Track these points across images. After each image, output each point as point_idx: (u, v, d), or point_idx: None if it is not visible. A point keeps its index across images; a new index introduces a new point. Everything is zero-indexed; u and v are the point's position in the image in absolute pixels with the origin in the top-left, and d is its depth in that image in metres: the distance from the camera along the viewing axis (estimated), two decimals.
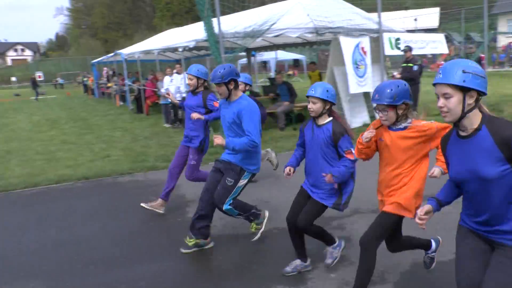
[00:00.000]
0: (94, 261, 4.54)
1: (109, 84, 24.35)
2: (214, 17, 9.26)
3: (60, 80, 48.14)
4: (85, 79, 34.51)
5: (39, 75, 41.47)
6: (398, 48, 11.44)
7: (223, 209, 4.36)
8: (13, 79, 55.57)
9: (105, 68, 26.54)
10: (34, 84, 31.58)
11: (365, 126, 10.69)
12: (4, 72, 71.01)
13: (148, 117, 16.03)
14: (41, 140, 12.20)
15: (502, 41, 37.02)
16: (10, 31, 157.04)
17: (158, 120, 14.62)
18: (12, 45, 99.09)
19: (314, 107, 3.64)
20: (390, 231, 3.31)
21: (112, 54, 22.05)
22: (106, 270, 4.33)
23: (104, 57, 27.20)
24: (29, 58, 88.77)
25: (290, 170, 3.87)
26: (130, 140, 11.46)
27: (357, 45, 10.74)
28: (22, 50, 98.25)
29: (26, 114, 20.05)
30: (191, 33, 12.76)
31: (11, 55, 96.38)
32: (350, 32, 10.76)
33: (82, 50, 64.93)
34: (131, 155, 9.55)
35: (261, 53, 21.90)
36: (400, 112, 3.11)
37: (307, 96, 3.65)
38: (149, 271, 4.25)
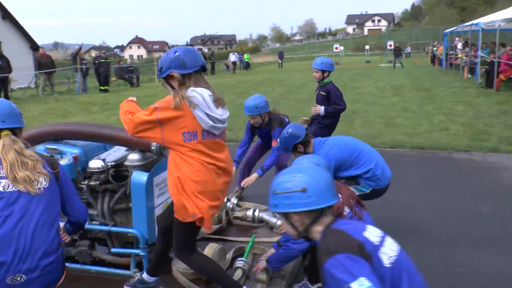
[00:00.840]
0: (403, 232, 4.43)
1: (459, 55, 23.14)
2: None
3: (407, 49, 48.75)
4: (434, 48, 33.84)
5: (390, 44, 43.03)
6: None
7: None
8: (366, 47, 59.89)
9: (457, 38, 25.26)
10: (397, 52, 32.46)
11: None
12: (359, 41, 77.30)
13: (498, 93, 14.43)
14: (383, 105, 12.72)
15: None
16: (370, 4, 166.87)
17: (510, 97, 13.01)
18: (370, 17, 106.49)
19: None
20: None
21: (468, 23, 20.68)
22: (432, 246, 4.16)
23: (457, 26, 25.87)
24: (383, 28, 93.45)
25: None
26: (473, 115, 10.60)
27: None
28: (379, 20, 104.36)
29: (373, 80, 21.25)
30: None
31: (368, 25, 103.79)
32: None
33: (436, 20, 63.77)
34: (471, 132, 8.84)
35: None
36: None
37: None
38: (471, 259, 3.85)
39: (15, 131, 2.46)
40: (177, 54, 2.76)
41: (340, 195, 2.98)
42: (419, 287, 1.80)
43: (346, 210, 3.02)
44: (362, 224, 2.00)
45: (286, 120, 5.04)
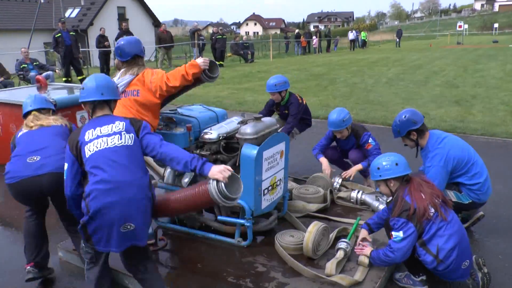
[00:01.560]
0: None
1: None
2: None
3: None
4: None
5: None
6: None
7: None
8: (495, 25, 54.72)
9: None
10: None
11: None
12: (488, 18, 70.85)
13: None
14: (509, 91, 11.63)
15: None
16: None
17: None
18: None
19: None
20: None
21: None
22: None
23: None
24: None
25: None
26: None
27: None
28: None
29: (500, 62, 19.48)
30: None
31: (500, 0, 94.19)
32: None
33: None
34: None
35: None
36: None
37: None
38: None
39: (42, 111, 3.52)
40: (120, 43, 3.67)
41: (422, 195, 2.95)
42: (118, 172, 2.55)
43: (432, 210, 2.91)
44: (96, 125, 2.72)
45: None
